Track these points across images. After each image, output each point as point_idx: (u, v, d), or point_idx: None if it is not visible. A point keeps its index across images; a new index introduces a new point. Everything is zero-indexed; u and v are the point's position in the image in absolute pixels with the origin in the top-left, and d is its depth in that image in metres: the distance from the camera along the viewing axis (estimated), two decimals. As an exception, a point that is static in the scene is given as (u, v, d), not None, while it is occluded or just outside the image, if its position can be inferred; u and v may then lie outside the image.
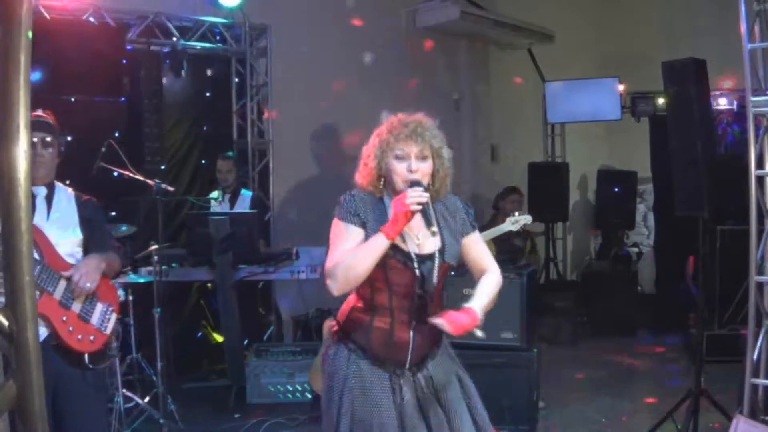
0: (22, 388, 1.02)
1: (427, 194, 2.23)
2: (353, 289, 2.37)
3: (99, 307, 2.80)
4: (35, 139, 2.72)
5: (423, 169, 2.29)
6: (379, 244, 2.23)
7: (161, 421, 4.42)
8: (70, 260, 2.75)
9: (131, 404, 4.48)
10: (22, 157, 0.99)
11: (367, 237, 2.30)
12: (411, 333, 2.35)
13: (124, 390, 4.37)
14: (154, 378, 4.62)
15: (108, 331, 2.83)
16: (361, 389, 2.32)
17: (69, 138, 5.24)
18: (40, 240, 2.65)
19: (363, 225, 2.31)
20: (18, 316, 1.01)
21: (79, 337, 2.71)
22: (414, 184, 2.25)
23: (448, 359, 2.50)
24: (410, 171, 2.27)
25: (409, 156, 2.28)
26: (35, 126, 2.73)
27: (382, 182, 2.36)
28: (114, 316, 2.88)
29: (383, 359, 2.35)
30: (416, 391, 2.36)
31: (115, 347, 4.35)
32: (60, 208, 2.81)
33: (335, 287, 2.27)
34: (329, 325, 4.69)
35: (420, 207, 2.21)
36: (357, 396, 2.32)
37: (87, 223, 2.85)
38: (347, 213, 2.32)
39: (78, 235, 2.82)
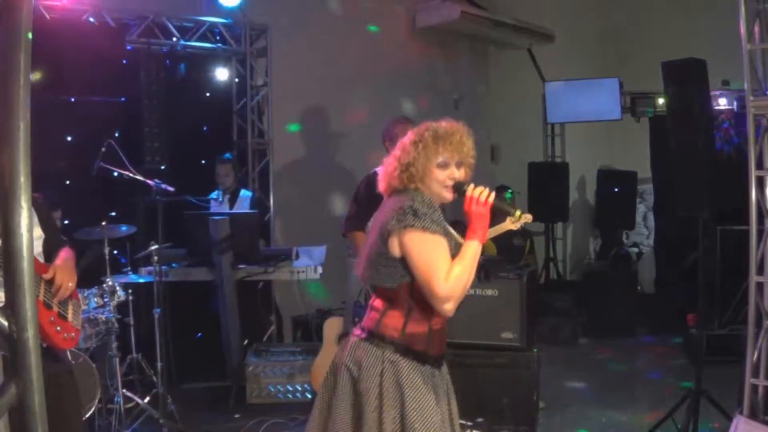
0: (22, 388, 1.02)
1: (492, 192, 2.36)
2: (387, 301, 2.36)
3: (70, 303, 2.84)
4: None
5: (459, 177, 2.38)
6: (477, 252, 2.30)
7: (161, 421, 4.41)
8: (40, 259, 2.77)
9: (131, 404, 4.48)
10: (22, 156, 0.99)
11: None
12: (441, 322, 2.41)
13: (124, 390, 4.37)
14: (154, 378, 4.62)
15: (80, 326, 2.89)
16: (420, 396, 2.29)
17: (69, 138, 5.28)
18: None
19: (444, 234, 2.31)
20: (18, 316, 1.01)
21: (65, 335, 2.75)
22: (457, 185, 2.36)
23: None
24: (452, 179, 2.35)
25: (449, 165, 2.36)
26: None
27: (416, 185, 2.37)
28: (81, 311, 2.94)
29: (436, 356, 2.40)
30: (447, 381, 2.46)
31: (115, 347, 4.40)
32: None
33: (454, 309, 2.27)
34: (331, 324, 4.70)
35: (493, 197, 2.34)
36: (417, 404, 2.27)
37: (44, 220, 2.86)
38: (432, 223, 2.26)
39: (41, 234, 2.82)
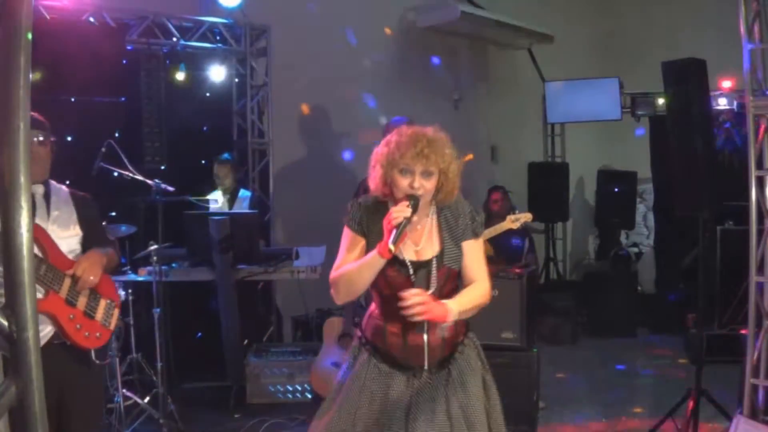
0: (22, 388, 1.02)
1: (409, 211, 2.24)
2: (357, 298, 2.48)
3: (102, 303, 2.82)
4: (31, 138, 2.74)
5: (426, 186, 2.31)
6: (375, 261, 2.28)
7: (161, 421, 4.41)
8: (72, 257, 2.77)
9: (131, 404, 4.48)
10: (22, 157, 0.99)
11: (368, 245, 2.38)
12: (425, 336, 2.39)
13: (124, 390, 4.37)
14: (154, 378, 4.62)
15: (112, 326, 2.86)
16: (380, 391, 2.38)
17: (69, 138, 5.27)
18: (43, 239, 2.67)
19: (364, 234, 2.40)
20: (18, 316, 1.01)
21: (87, 334, 2.73)
22: (409, 197, 2.28)
23: (474, 359, 2.53)
24: (412, 187, 2.30)
25: (413, 173, 2.31)
26: (32, 124, 2.74)
27: (388, 189, 2.38)
28: (116, 312, 2.90)
29: (402, 363, 2.41)
30: (433, 391, 2.39)
31: (115, 347, 4.40)
32: (59, 206, 2.82)
33: (337, 298, 2.41)
34: (331, 324, 4.70)
35: (398, 221, 2.21)
36: (375, 397, 2.38)
37: (85, 220, 2.87)
38: (352, 221, 2.43)
39: (78, 233, 2.83)
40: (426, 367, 2.40)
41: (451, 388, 2.40)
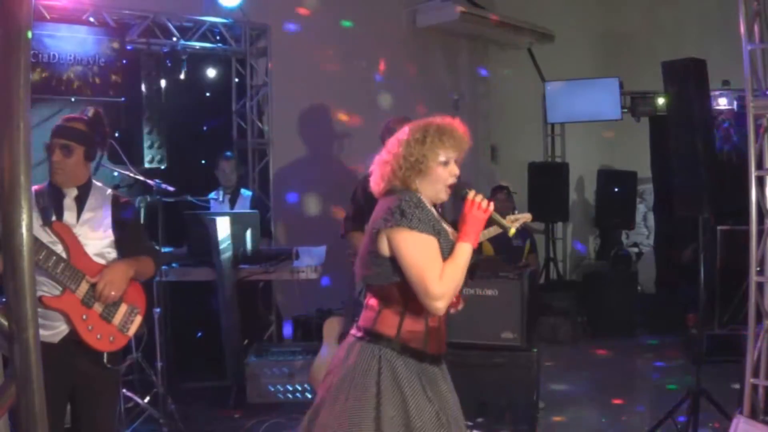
0: (22, 388, 1.02)
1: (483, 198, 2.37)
2: (387, 299, 2.34)
3: (123, 308, 2.81)
4: (55, 146, 2.76)
5: (458, 174, 2.39)
6: (469, 255, 2.31)
7: (161, 421, 4.41)
8: (100, 260, 2.77)
9: (131, 404, 4.48)
10: (22, 156, 0.99)
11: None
12: (438, 322, 2.41)
13: (124, 390, 4.36)
14: (154, 378, 4.62)
15: (130, 332, 2.84)
16: (422, 393, 2.30)
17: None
18: (67, 238, 2.69)
19: (435, 233, 2.29)
20: (18, 316, 1.01)
21: (99, 336, 2.73)
22: (457, 188, 2.36)
23: None
24: (452, 175, 2.35)
25: (450, 162, 2.35)
26: (57, 132, 2.76)
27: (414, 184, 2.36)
28: (138, 318, 2.87)
29: (435, 355, 2.40)
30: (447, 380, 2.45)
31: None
32: (92, 209, 2.83)
33: (446, 305, 2.28)
34: (331, 324, 4.70)
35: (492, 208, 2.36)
36: (423, 391, 2.30)
37: (120, 224, 2.87)
38: (420, 223, 2.26)
39: (110, 236, 2.83)
40: (443, 351, 2.44)
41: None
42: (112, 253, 2.83)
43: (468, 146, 2.39)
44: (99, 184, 2.92)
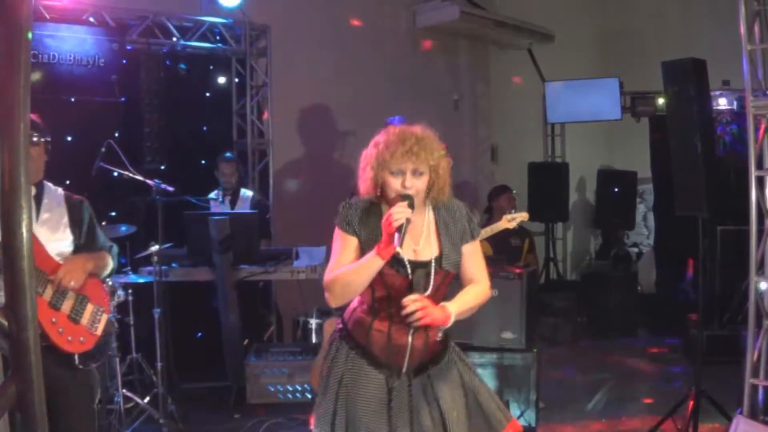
0: (22, 388, 1.02)
1: (410, 210, 2.23)
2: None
3: (89, 308, 2.79)
4: None
5: (417, 186, 2.30)
6: (374, 263, 2.25)
7: (161, 421, 4.41)
8: (59, 260, 2.74)
9: (131, 404, 4.48)
10: (22, 157, 0.99)
11: (361, 246, 2.35)
12: (409, 338, 2.36)
13: (124, 390, 4.37)
14: (154, 378, 4.62)
15: (98, 332, 2.82)
16: (355, 388, 2.36)
17: (69, 138, 5.27)
18: None
19: (356, 234, 2.37)
20: (18, 316, 1.01)
21: (70, 338, 2.70)
22: (404, 197, 2.26)
23: (454, 368, 2.47)
24: (404, 187, 2.29)
25: (404, 173, 2.29)
26: None
27: (379, 191, 2.37)
28: (105, 317, 2.86)
29: (381, 362, 2.37)
30: (410, 397, 2.36)
31: (115, 347, 4.39)
32: (50, 209, 2.79)
33: (332, 301, 2.36)
34: (331, 324, 4.70)
35: (400, 222, 2.19)
36: (351, 394, 2.36)
37: (77, 223, 2.84)
38: (343, 222, 2.39)
39: (68, 236, 2.81)
40: (404, 369, 2.37)
41: (422, 399, 2.37)
42: (71, 254, 2.80)
43: (429, 156, 2.28)
44: (49, 183, 2.87)
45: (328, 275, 2.33)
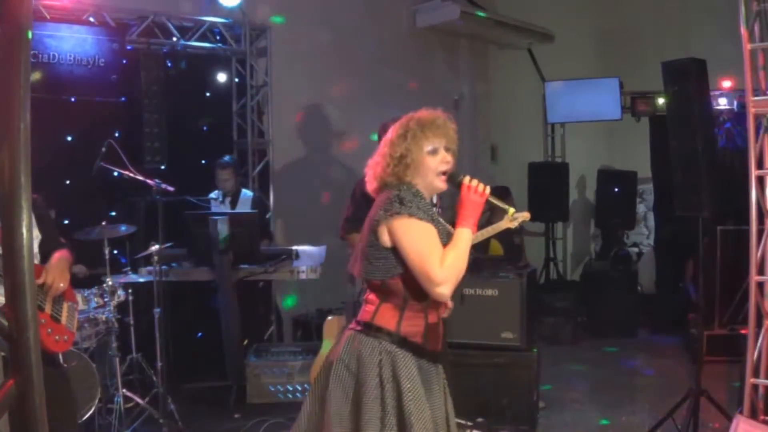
0: (22, 388, 1.02)
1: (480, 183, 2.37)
2: (384, 294, 2.35)
3: (65, 306, 2.84)
4: None
5: (451, 161, 2.40)
6: (470, 240, 2.32)
7: (161, 421, 4.41)
8: (35, 261, 2.76)
9: (131, 404, 4.48)
10: (22, 157, 0.99)
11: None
12: (437, 319, 2.42)
13: (124, 390, 4.37)
14: (154, 378, 4.62)
15: (74, 329, 2.88)
16: (420, 384, 2.32)
17: (69, 138, 5.27)
18: None
19: (432, 221, 2.34)
20: (18, 316, 1.01)
21: (57, 338, 2.74)
22: (452, 175, 2.38)
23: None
24: (445, 163, 2.36)
25: (439, 150, 2.37)
26: None
27: (409, 177, 2.38)
28: (76, 314, 2.93)
29: (438, 353, 2.42)
30: (440, 378, 2.45)
31: (115, 347, 4.40)
32: None
33: (450, 291, 2.29)
34: (331, 324, 4.70)
35: (489, 191, 2.36)
36: (415, 396, 2.29)
37: (41, 222, 2.86)
38: (419, 209, 2.29)
39: (37, 236, 2.83)
40: (440, 349, 2.45)
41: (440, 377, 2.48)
42: (37, 252, 2.82)
43: (454, 132, 2.42)
44: None
45: (440, 269, 2.22)
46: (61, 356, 2.79)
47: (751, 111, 3.81)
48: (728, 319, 6.01)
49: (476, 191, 2.35)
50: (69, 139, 5.31)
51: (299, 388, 5.17)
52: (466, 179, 2.38)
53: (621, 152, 8.99)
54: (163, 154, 5.83)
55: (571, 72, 8.43)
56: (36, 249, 2.80)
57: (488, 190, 2.38)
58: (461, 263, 2.28)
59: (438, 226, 2.34)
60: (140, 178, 4.65)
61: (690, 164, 4.18)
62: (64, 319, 2.80)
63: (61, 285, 2.73)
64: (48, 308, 2.74)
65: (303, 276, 5.25)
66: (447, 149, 2.39)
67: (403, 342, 2.32)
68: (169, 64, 5.99)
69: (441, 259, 2.24)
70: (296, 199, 6.60)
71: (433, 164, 2.35)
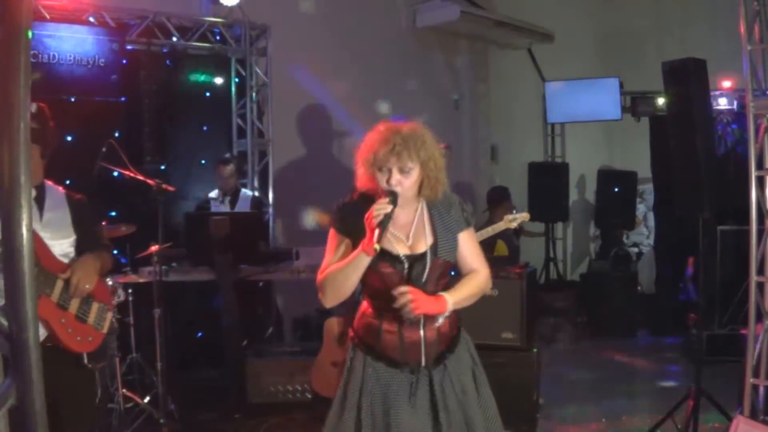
0: (22, 388, 1.02)
1: (390, 207, 2.22)
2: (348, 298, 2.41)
3: (95, 306, 2.80)
4: None
5: (404, 182, 2.31)
6: (361, 260, 2.26)
7: (161, 421, 4.41)
8: (65, 260, 2.75)
9: (131, 404, 4.48)
10: (22, 156, 0.99)
11: (355, 245, 2.32)
12: (421, 332, 2.37)
13: (124, 390, 4.36)
14: (154, 378, 4.62)
15: (105, 330, 2.84)
16: (378, 391, 2.35)
17: (69, 138, 5.27)
18: (35, 242, 2.64)
19: (349, 234, 2.37)
20: (18, 316, 1.01)
21: (78, 338, 2.71)
22: (388, 194, 2.27)
23: (465, 354, 2.50)
24: (388, 184, 2.29)
25: (390, 170, 2.30)
26: None
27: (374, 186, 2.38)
28: (110, 315, 2.89)
29: (399, 361, 2.37)
30: (431, 389, 2.38)
31: (115, 347, 4.39)
32: (52, 209, 2.79)
33: (325, 301, 2.38)
34: (331, 324, 4.70)
35: (380, 219, 2.19)
36: (374, 400, 2.34)
37: (79, 223, 2.85)
38: (336, 221, 2.43)
39: (71, 236, 2.81)
40: (423, 363, 2.38)
41: (447, 383, 2.39)
42: (73, 253, 2.81)
43: (413, 154, 2.27)
44: (50, 183, 2.88)
45: (320, 275, 2.36)
46: (85, 357, 2.74)
47: (751, 111, 3.81)
48: (728, 319, 6.01)
49: (368, 217, 2.22)
50: (69, 139, 5.30)
51: (299, 388, 5.16)
52: (379, 202, 2.24)
53: (621, 152, 9.00)
54: (163, 154, 5.83)
55: (571, 72, 8.43)
56: (67, 249, 2.79)
57: (376, 220, 2.19)
58: (341, 278, 2.29)
59: (360, 238, 2.26)
60: (140, 178, 4.65)
61: (690, 164, 4.18)
62: (91, 320, 2.77)
63: (87, 286, 2.69)
64: (73, 308, 2.71)
65: (303, 276, 5.25)
66: (402, 170, 2.30)
67: (360, 340, 2.45)
68: (169, 64, 5.99)
69: (324, 267, 2.36)
70: (296, 199, 6.60)
71: (381, 181, 2.32)
